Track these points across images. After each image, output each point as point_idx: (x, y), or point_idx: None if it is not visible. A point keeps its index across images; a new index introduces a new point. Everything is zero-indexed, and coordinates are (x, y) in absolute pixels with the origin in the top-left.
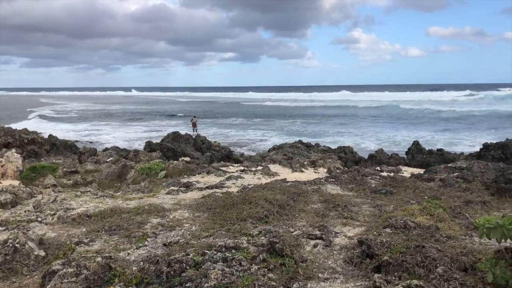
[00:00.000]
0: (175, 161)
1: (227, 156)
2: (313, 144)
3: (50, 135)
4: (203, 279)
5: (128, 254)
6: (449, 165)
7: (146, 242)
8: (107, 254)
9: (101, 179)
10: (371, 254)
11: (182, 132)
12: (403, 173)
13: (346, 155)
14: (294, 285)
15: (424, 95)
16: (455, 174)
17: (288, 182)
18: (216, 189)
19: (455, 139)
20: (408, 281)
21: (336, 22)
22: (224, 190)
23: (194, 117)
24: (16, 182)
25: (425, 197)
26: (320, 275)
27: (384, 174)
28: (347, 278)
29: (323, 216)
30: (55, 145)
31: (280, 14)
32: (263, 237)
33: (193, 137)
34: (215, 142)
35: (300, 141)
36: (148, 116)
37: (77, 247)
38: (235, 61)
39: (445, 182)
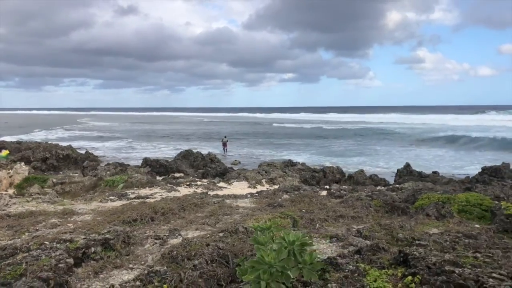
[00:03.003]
0: (140, 175)
1: (222, 173)
2: (295, 163)
3: (86, 151)
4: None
5: None
6: (390, 186)
7: (23, 236)
8: None
9: (77, 189)
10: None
11: (206, 151)
12: (357, 192)
13: (318, 174)
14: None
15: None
16: (374, 193)
17: (209, 195)
18: (141, 199)
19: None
20: None
21: (399, 41)
22: (147, 200)
23: (225, 137)
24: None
25: (304, 210)
26: (131, 265)
27: (324, 192)
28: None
29: (191, 222)
30: (74, 159)
31: (341, 34)
32: (107, 234)
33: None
34: (235, 161)
35: (289, 160)
36: (193, 137)
37: None
38: (294, 82)
39: (346, 199)
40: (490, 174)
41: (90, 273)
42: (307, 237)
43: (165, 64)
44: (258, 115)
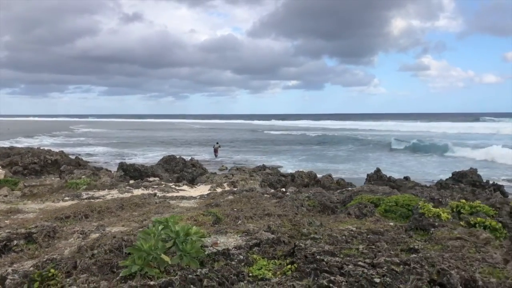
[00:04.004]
0: (104, 178)
1: (198, 177)
2: (265, 167)
3: (76, 157)
4: None
5: None
6: (344, 189)
7: None
8: None
9: (44, 191)
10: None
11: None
12: (301, 193)
13: (285, 178)
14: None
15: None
16: (315, 194)
17: (158, 196)
18: (91, 199)
19: None
20: None
21: (404, 48)
22: (96, 200)
23: (217, 143)
24: None
25: (235, 209)
26: (47, 256)
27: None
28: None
29: (122, 219)
30: (57, 163)
31: (345, 41)
32: (34, 229)
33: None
34: (222, 166)
35: (263, 165)
36: (189, 143)
37: None
38: (299, 89)
39: (282, 198)
40: (457, 178)
41: (6, 263)
42: (201, 230)
43: (169, 71)
44: (259, 122)
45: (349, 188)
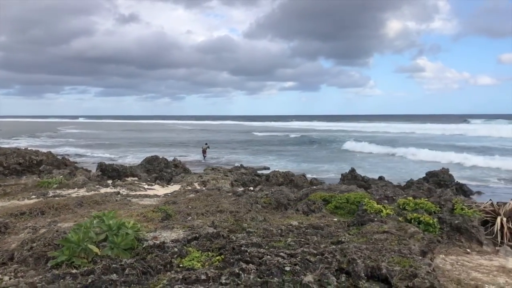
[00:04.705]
0: (77, 177)
1: (175, 176)
2: (240, 167)
3: (63, 157)
4: None
5: None
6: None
7: None
8: None
9: (17, 190)
10: None
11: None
12: (263, 191)
13: (260, 178)
14: None
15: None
16: (274, 192)
17: (120, 195)
18: (57, 197)
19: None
20: None
21: (400, 50)
22: (59, 198)
23: (206, 144)
24: None
25: (190, 206)
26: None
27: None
28: None
29: (76, 216)
30: (41, 164)
31: (341, 43)
32: None
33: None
34: (207, 167)
35: (241, 165)
36: (180, 144)
37: None
38: (295, 90)
39: (242, 196)
40: (428, 178)
41: None
42: (138, 224)
43: (166, 72)
44: (252, 123)
45: (314, 187)
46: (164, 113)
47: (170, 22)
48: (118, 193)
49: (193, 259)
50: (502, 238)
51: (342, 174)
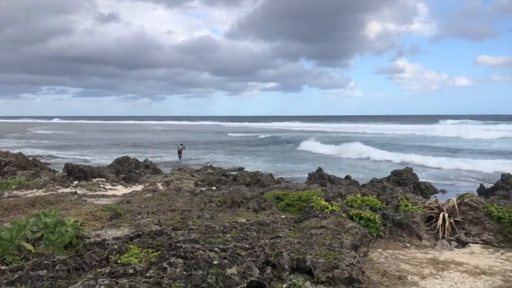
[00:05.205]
0: (38, 179)
1: (147, 177)
2: (208, 167)
3: (34, 158)
4: None
5: None
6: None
7: None
8: None
9: None
10: None
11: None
12: (220, 190)
13: (226, 178)
14: None
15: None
16: (231, 190)
17: (77, 195)
18: (10, 198)
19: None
20: None
21: (380, 51)
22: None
23: (181, 144)
24: None
25: (143, 205)
26: None
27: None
28: None
29: (25, 215)
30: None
31: (322, 44)
32: None
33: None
34: (182, 168)
35: (210, 166)
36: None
37: None
38: (276, 91)
39: (197, 195)
40: (391, 177)
41: None
42: (77, 222)
43: (146, 72)
44: (230, 124)
45: (274, 186)
46: (144, 113)
47: (151, 22)
48: (75, 193)
49: (132, 255)
50: (443, 232)
51: (309, 173)
